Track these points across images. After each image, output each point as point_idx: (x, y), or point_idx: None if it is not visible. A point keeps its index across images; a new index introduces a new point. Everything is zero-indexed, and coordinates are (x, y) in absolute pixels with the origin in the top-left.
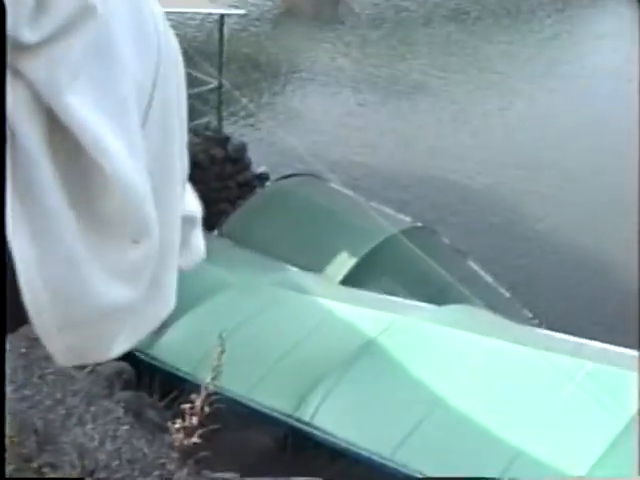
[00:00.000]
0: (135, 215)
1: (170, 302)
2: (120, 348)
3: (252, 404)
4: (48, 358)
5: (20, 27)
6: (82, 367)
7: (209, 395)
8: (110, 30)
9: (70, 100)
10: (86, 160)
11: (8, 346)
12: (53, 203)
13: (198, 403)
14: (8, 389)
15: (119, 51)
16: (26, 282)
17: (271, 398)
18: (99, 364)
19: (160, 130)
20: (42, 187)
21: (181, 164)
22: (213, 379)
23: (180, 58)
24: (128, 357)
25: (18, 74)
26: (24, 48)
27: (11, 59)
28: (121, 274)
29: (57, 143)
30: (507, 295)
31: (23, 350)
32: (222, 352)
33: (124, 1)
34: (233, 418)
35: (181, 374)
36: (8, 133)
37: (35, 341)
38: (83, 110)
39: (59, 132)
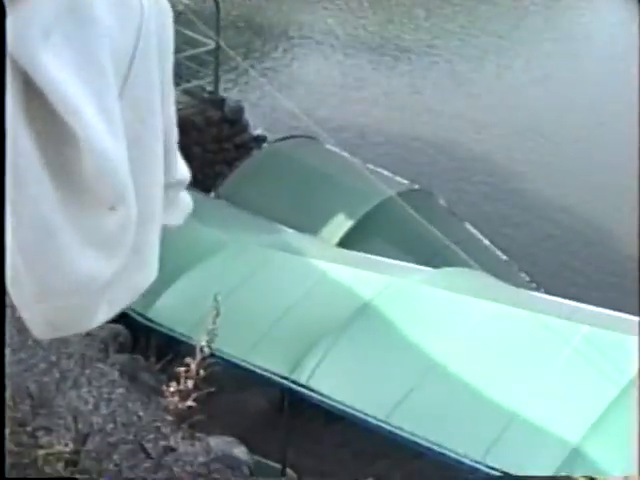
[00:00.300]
0: (110, 181)
1: (151, 272)
2: (100, 319)
3: (248, 366)
4: None
5: None
6: None
7: (204, 358)
8: None
9: (42, 58)
10: (61, 125)
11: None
12: (29, 169)
13: (193, 366)
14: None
15: (95, 11)
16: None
17: (267, 361)
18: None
19: (139, 100)
20: (18, 153)
21: (168, 134)
22: (208, 342)
23: (170, 21)
24: (124, 319)
25: None
26: None
27: None
28: (98, 243)
29: (33, 109)
30: (504, 258)
31: (18, 314)
32: (217, 315)
33: None
34: (229, 381)
35: (176, 336)
36: None
37: None
38: (55, 70)
39: (35, 97)
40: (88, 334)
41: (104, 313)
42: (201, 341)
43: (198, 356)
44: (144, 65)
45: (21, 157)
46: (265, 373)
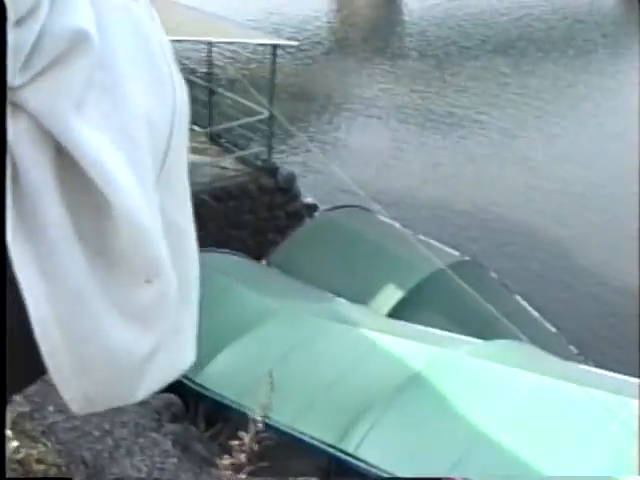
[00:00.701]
0: (145, 252)
1: (190, 354)
2: (138, 395)
3: (296, 434)
4: None
5: (14, 73)
6: None
7: (257, 432)
8: (114, 60)
9: (75, 125)
10: (96, 195)
11: None
12: (61, 238)
13: (247, 440)
14: (59, 418)
15: (130, 90)
16: (38, 320)
17: (315, 428)
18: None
19: (175, 184)
20: (50, 222)
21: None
22: (262, 417)
23: (187, 109)
24: (174, 384)
25: (18, 107)
26: (19, 86)
27: (9, 95)
28: (135, 315)
29: (64, 176)
30: (553, 330)
31: None
32: (271, 390)
33: (127, 29)
34: (276, 447)
35: (226, 402)
36: (10, 166)
37: None
38: (91, 140)
39: (67, 164)
40: (142, 403)
41: (142, 390)
42: (253, 409)
43: (252, 430)
44: (178, 150)
45: (53, 227)
46: (313, 441)
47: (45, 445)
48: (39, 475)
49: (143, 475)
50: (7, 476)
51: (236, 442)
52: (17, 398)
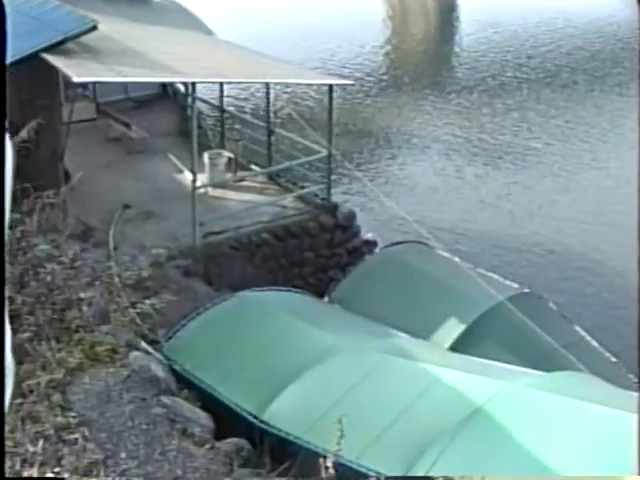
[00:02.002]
0: None
1: None
2: None
3: (362, 469)
4: (169, 434)
5: None
6: (202, 444)
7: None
8: None
9: None
10: None
11: (130, 423)
12: None
13: None
14: (131, 464)
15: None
16: None
17: (381, 463)
18: (219, 441)
19: None
20: None
21: None
22: (334, 463)
23: (10, 171)
24: (239, 423)
25: None
26: None
27: None
28: None
29: None
30: (613, 360)
31: (144, 426)
32: (342, 436)
33: None
34: None
35: (292, 439)
36: None
37: (157, 418)
38: None
39: None
40: (213, 448)
41: None
42: (317, 444)
43: (323, 475)
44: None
45: None
46: (378, 476)
47: None
48: None
49: None
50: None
51: None
52: (89, 445)
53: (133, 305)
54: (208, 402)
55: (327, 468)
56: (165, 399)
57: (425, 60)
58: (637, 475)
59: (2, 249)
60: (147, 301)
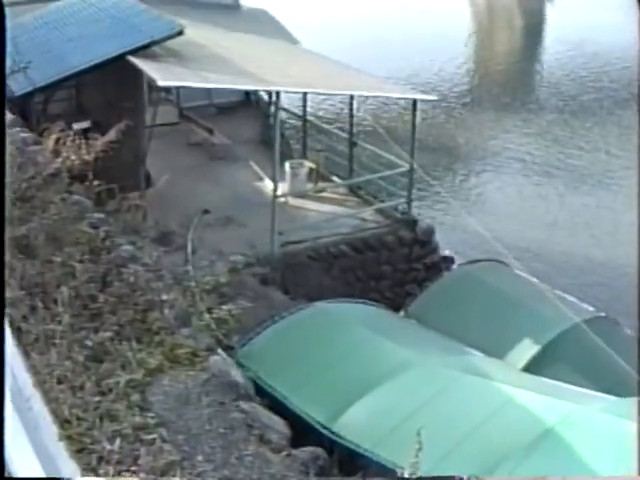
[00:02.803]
0: None
1: None
2: None
3: None
4: (246, 440)
5: None
6: (278, 450)
7: None
8: None
9: None
10: None
11: (208, 426)
12: None
13: None
14: (208, 467)
15: None
16: None
17: None
18: (296, 449)
19: None
20: None
21: None
22: (410, 475)
23: None
24: (311, 433)
25: None
26: None
27: None
28: None
29: None
30: None
31: (222, 430)
32: (420, 449)
33: None
34: None
35: (361, 452)
36: None
37: (235, 422)
38: None
39: None
40: (289, 455)
41: None
42: (388, 457)
43: None
44: None
45: None
46: None
47: None
48: None
49: None
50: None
51: None
52: (166, 446)
53: (209, 310)
54: (280, 410)
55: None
56: (244, 404)
57: (507, 78)
58: (637, 475)
59: (2, 250)
60: (224, 307)
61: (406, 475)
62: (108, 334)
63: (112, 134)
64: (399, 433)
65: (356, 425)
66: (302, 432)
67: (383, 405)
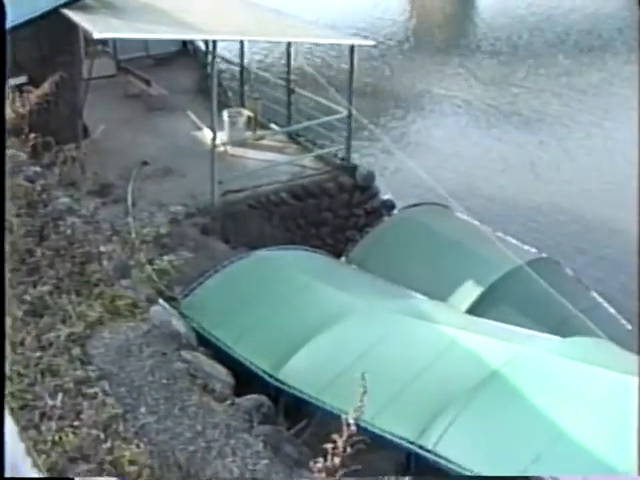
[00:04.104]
0: None
1: None
2: None
3: (377, 430)
4: (189, 390)
5: None
6: (222, 399)
7: (351, 436)
8: None
9: None
10: None
11: (151, 377)
12: None
13: (340, 443)
14: (151, 419)
15: None
16: None
17: (394, 425)
18: (240, 397)
19: None
20: None
21: None
22: (356, 419)
23: None
24: (255, 380)
25: None
26: None
27: None
28: None
29: None
30: (629, 327)
31: (164, 381)
32: (364, 392)
33: None
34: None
35: (307, 398)
36: None
37: (178, 373)
38: None
39: None
40: (233, 404)
41: None
42: (331, 404)
43: (345, 433)
44: None
45: None
46: (392, 437)
47: (138, 446)
48: (132, 476)
49: (235, 477)
50: (102, 477)
51: (330, 445)
52: (109, 399)
53: (150, 262)
54: (224, 360)
55: (349, 426)
56: (186, 354)
57: (446, 24)
58: (637, 475)
59: (2, 249)
60: (165, 258)
61: (350, 420)
62: (47, 288)
63: (46, 87)
64: (344, 379)
65: (301, 372)
66: (247, 381)
67: (327, 351)
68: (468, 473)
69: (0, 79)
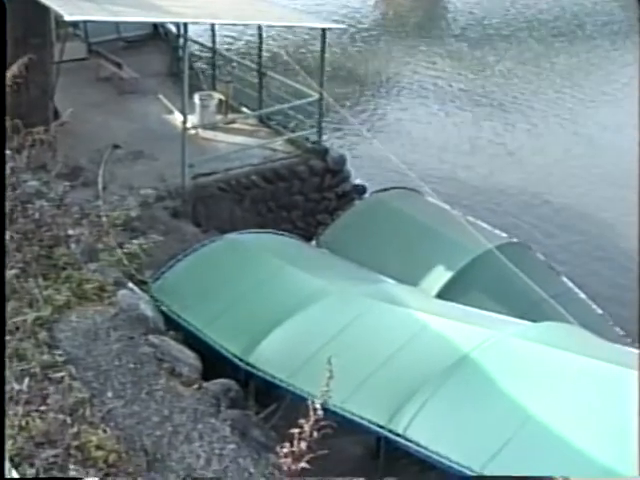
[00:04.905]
0: None
1: None
2: None
3: (345, 414)
4: (156, 374)
5: None
6: (189, 384)
7: (317, 420)
8: None
9: None
10: None
11: (118, 362)
12: None
13: (307, 428)
14: (118, 404)
15: None
16: None
17: (364, 409)
18: (210, 381)
19: None
20: None
21: None
22: (322, 404)
23: None
24: (226, 364)
25: None
26: None
27: None
28: None
29: None
30: (599, 312)
31: (131, 366)
32: (331, 377)
33: None
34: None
35: (277, 382)
36: None
37: (145, 357)
38: None
39: None
40: (200, 388)
41: None
42: (313, 400)
43: (312, 418)
44: None
45: None
46: (362, 421)
47: (104, 431)
48: (99, 461)
49: (202, 462)
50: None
51: (296, 430)
52: (75, 384)
53: (121, 245)
54: (194, 343)
55: (315, 410)
56: (153, 338)
57: (416, 9)
58: (637, 475)
59: (2, 249)
60: (135, 241)
61: (317, 405)
62: (14, 272)
63: (14, 69)
64: (314, 363)
65: (271, 356)
66: (218, 365)
67: (297, 335)
68: (437, 457)
69: (0, 78)
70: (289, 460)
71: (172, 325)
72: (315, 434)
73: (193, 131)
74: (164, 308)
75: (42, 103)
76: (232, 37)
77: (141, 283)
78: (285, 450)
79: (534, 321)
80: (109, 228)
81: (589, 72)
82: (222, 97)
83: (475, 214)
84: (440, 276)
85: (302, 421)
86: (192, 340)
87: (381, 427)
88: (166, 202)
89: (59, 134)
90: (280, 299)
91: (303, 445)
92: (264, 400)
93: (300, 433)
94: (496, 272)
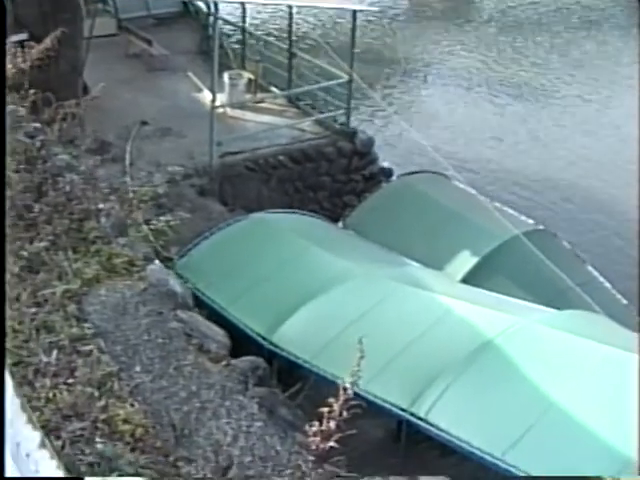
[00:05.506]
0: None
1: None
2: None
3: (368, 396)
4: (184, 349)
5: None
6: (217, 360)
7: (347, 400)
8: None
9: None
10: None
11: (146, 336)
12: None
13: (336, 407)
14: (146, 378)
15: None
16: None
17: (387, 391)
18: (235, 358)
19: None
20: None
21: None
22: (352, 384)
23: None
24: (250, 344)
25: None
26: None
27: None
28: None
29: None
30: (624, 302)
31: (160, 340)
32: (362, 357)
33: None
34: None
35: (300, 363)
36: None
37: (173, 332)
38: None
39: None
40: (228, 365)
41: None
42: (344, 381)
43: (341, 397)
44: None
45: None
46: (385, 404)
47: (132, 405)
48: (126, 435)
49: (229, 439)
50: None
51: (326, 409)
52: (104, 357)
53: (147, 222)
54: (218, 322)
55: (345, 390)
56: (182, 314)
57: None
58: (637, 476)
59: (2, 251)
60: (162, 218)
61: (347, 385)
62: (44, 244)
63: (47, 42)
64: (337, 344)
65: (294, 336)
66: (241, 344)
67: (321, 316)
68: (458, 442)
69: (0, 77)
70: (318, 439)
71: (197, 302)
72: (344, 414)
73: (222, 109)
74: (189, 285)
75: (72, 78)
76: (262, 17)
77: (167, 260)
78: (314, 429)
79: (559, 309)
80: (137, 204)
81: (619, 61)
82: (251, 76)
83: (503, 200)
84: (466, 261)
85: (331, 400)
86: (216, 318)
87: (403, 410)
88: (193, 180)
89: (88, 109)
90: (305, 279)
91: (332, 424)
92: (286, 379)
93: (329, 412)
94: (522, 259)
